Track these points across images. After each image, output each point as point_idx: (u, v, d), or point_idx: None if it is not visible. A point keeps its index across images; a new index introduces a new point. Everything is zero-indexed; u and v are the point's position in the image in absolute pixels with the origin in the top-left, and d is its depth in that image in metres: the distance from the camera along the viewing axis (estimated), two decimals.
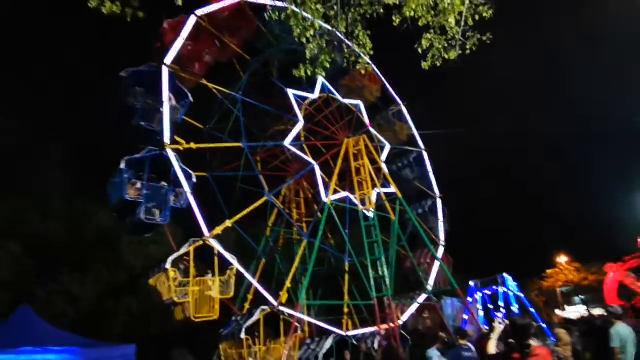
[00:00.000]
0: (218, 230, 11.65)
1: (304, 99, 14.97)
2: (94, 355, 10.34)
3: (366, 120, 15.65)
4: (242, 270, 11.67)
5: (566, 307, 29.21)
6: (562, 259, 34.75)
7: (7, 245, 17.08)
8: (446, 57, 7.78)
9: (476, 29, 7.64)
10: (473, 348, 9.12)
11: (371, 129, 15.66)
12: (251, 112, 14.79)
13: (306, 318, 12.86)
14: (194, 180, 11.68)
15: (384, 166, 15.37)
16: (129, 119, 11.75)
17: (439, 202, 16.00)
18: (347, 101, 15.56)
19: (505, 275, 17.12)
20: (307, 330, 14.10)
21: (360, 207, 13.94)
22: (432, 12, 7.10)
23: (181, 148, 11.78)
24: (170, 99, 11.75)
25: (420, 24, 7.31)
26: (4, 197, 17.46)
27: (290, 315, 11.81)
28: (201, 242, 11.30)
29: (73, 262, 18.59)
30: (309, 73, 7.16)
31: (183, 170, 11.38)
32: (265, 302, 11.81)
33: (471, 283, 16.64)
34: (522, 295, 17.13)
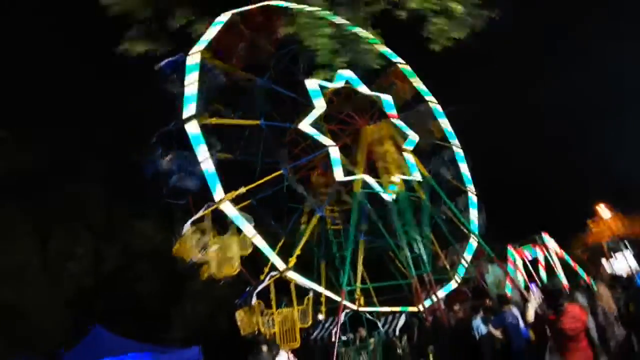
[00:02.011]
0: (230, 195, 11.96)
1: (325, 88, 14.98)
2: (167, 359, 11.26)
3: (394, 113, 15.49)
4: (253, 232, 11.84)
5: (613, 261, 28.68)
6: (605, 212, 33.89)
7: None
8: (455, 36, 7.99)
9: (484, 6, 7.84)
10: (517, 313, 9.45)
11: (396, 121, 15.39)
12: (278, 104, 15.19)
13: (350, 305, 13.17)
14: (214, 153, 12.02)
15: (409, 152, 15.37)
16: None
17: (474, 198, 15.87)
18: (372, 93, 15.36)
19: (544, 235, 16.89)
20: (323, 310, 14.57)
21: (378, 189, 14.12)
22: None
23: (198, 122, 11.91)
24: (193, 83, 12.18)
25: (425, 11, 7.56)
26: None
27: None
28: (215, 206, 11.78)
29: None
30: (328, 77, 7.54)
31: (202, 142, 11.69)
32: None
33: (510, 248, 16.60)
34: (564, 254, 16.88)
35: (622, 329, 8.14)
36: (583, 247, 29.68)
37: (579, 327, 5.44)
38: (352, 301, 12.57)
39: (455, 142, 16.28)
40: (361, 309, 12.10)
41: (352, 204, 14.17)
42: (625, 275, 15.63)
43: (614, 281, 11.27)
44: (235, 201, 11.95)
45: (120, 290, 22.09)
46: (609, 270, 21.76)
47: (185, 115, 11.56)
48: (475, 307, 11.45)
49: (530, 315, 7.23)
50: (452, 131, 16.44)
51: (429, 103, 16.10)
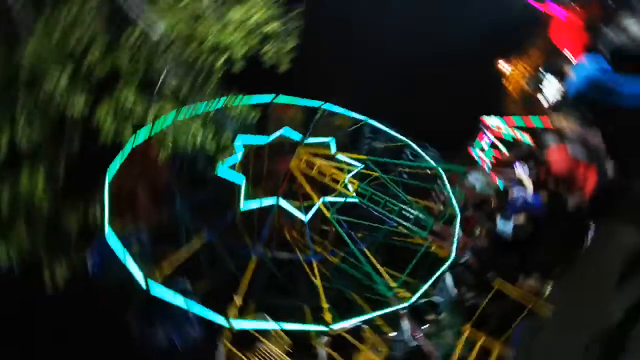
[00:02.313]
0: (328, 318, 11.60)
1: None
2: None
3: (296, 137, 15.87)
4: None
5: (544, 92, 30.06)
6: (505, 66, 35.89)
7: None
8: None
9: None
10: (521, 190, 9.85)
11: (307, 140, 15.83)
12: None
13: None
14: None
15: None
16: None
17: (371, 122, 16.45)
18: (271, 137, 15.71)
19: (484, 120, 17.60)
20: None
21: (341, 199, 14.38)
22: None
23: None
24: None
25: None
26: None
27: None
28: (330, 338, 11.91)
29: None
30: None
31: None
32: None
33: (469, 151, 17.21)
34: (506, 126, 17.44)
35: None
36: (515, 104, 31.24)
37: (566, 163, 5.77)
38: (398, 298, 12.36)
39: (357, 116, 16.81)
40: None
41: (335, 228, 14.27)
42: (560, 97, 16.51)
43: (559, 104, 12.02)
44: None
45: None
46: (549, 101, 22.80)
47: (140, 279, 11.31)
48: (490, 215, 11.79)
49: (529, 186, 7.61)
50: (352, 111, 16.98)
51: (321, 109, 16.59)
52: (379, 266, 13.41)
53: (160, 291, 10.79)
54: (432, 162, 15.33)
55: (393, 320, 12.88)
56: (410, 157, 16.15)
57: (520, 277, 9.80)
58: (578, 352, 6.04)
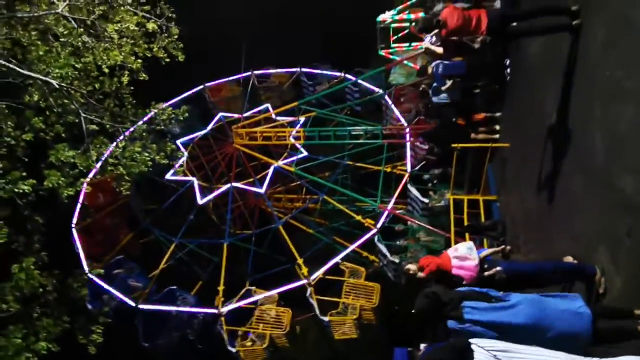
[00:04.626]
0: (304, 270, 12.35)
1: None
2: None
3: (235, 115, 16.16)
4: None
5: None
6: None
7: None
8: None
9: None
10: (439, 62, 10.60)
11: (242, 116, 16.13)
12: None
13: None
14: None
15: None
16: None
17: (304, 70, 16.75)
18: (209, 127, 16.09)
19: (382, 18, 17.92)
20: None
21: (295, 158, 14.92)
22: None
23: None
24: None
25: None
26: None
27: None
28: (312, 289, 12.10)
29: None
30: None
31: None
32: None
33: (383, 52, 17.52)
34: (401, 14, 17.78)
35: None
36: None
37: (459, 16, 6.42)
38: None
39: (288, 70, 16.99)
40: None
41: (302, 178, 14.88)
42: None
43: None
44: None
45: None
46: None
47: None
48: (423, 94, 12.59)
49: (439, 49, 8.41)
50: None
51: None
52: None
53: (151, 307, 12.18)
54: (349, 77, 15.70)
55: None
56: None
57: (472, 134, 10.75)
58: (541, 161, 7.00)
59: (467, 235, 10.01)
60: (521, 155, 8.62)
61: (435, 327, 5.24)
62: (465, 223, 10.17)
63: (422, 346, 7.79)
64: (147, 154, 7.43)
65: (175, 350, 12.94)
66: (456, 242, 9.30)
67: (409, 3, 15.98)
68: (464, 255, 5.63)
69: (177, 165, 14.65)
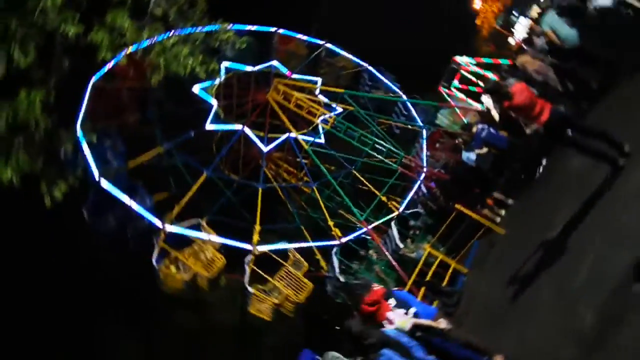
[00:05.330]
0: (256, 238, 12.57)
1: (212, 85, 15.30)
2: None
3: (285, 71, 16.09)
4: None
5: (515, 33, 30.42)
6: (476, 3, 36.16)
7: None
8: None
9: None
10: (483, 126, 10.71)
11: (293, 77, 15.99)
12: (189, 145, 15.37)
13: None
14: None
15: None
16: None
17: (370, 69, 16.79)
18: (258, 67, 15.97)
19: (456, 59, 18.07)
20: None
21: (310, 139, 14.88)
22: None
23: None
24: None
25: None
26: None
27: None
28: (253, 257, 12.38)
29: None
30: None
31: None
32: None
33: (440, 90, 17.78)
34: (479, 59, 18.05)
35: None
36: (485, 42, 31.66)
37: (527, 96, 6.50)
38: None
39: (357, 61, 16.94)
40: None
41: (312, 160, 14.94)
42: (527, 34, 16.91)
43: (526, 44, 12.64)
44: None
45: None
46: (517, 39, 23.25)
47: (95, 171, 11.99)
48: (456, 149, 12.68)
49: (496, 115, 8.42)
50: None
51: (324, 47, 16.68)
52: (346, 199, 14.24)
53: (110, 186, 11.98)
54: (403, 95, 15.82)
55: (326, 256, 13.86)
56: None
57: (478, 205, 10.87)
58: (526, 261, 7.12)
59: (422, 288, 10.21)
60: (511, 247, 8.75)
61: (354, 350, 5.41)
62: (427, 278, 10.33)
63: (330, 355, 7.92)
64: (191, 61, 7.47)
65: (108, 237, 12.98)
66: (411, 291, 9.47)
67: (484, 60, 16.05)
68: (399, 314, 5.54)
69: (208, 84, 14.57)
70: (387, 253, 12.54)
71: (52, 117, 7.36)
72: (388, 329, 5.18)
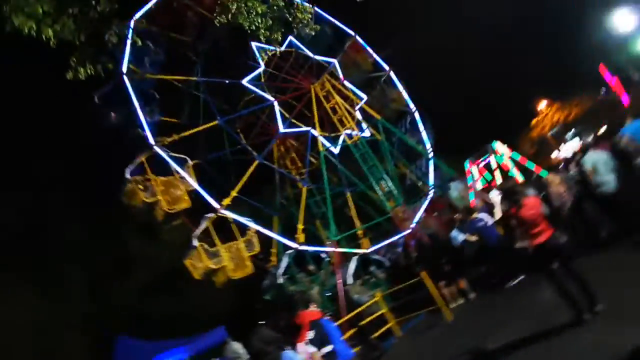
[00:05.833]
0: (227, 201, 12.60)
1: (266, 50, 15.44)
2: (199, 346, 11.91)
3: (340, 75, 16.17)
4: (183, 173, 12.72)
5: (562, 147, 30.47)
6: (542, 104, 36.34)
7: None
8: None
9: None
10: (485, 217, 10.73)
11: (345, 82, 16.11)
12: (219, 91, 15.45)
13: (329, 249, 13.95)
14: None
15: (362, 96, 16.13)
16: None
17: (416, 115, 16.95)
18: (319, 57, 16.06)
19: (493, 143, 18.23)
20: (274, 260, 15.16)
21: (325, 142, 14.86)
22: None
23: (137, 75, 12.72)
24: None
25: None
26: None
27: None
28: (215, 216, 12.35)
29: None
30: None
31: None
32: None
33: (466, 162, 17.97)
34: (515, 156, 18.25)
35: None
36: (530, 143, 31.76)
37: (535, 213, 6.51)
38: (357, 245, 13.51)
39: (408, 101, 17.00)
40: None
41: (320, 163, 14.97)
42: (571, 156, 16.96)
43: (563, 164, 12.61)
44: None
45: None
46: (560, 157, 23.23)
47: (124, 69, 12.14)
48: (450, 222, 12.68)
49: (498, 214, 8.41)
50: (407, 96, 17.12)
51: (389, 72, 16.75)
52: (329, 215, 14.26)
53: (129, 85, 12.21)
54: (430, 152, 15.89)
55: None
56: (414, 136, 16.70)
57: (443, 282, 10.87)
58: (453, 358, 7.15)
59: (353, 330, 10.24)
60: (448, 337, 8.77)
61: None
62: (362, 323, 10.36)
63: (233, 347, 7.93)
64: (259, 21, 7.52)
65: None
66: (341, 327, 9.47)
67: (518, 159, 16.11)
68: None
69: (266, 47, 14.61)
70: (339, 281, 12.57)
71: (112, 3, 7.42)
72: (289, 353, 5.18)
